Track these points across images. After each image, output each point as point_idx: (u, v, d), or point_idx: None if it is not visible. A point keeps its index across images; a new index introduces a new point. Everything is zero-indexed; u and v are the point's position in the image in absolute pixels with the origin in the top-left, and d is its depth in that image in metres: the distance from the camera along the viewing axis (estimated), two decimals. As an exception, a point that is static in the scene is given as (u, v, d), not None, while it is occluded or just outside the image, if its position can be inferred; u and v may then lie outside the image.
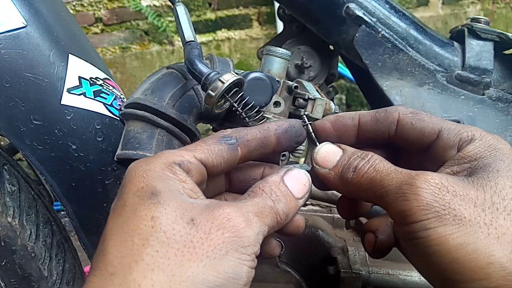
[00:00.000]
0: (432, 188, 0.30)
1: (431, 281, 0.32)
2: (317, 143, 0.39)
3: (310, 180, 0.37)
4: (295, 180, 0.36)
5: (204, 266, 0.27)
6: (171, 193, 0.30)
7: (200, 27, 2.16)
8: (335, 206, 0.48)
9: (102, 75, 0.65)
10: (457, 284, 0.29)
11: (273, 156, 0.42)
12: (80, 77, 0.60)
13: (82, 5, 2.13)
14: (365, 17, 0.58)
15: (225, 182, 0.41)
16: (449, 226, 0.29)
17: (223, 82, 0.45)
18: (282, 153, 0.42)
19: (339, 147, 0.38)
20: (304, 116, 0.39)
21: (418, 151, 0.38)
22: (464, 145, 0.34)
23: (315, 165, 0.38)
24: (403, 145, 0.38)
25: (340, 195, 0.41)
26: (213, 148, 0.35)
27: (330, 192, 0.59)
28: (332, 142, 0.38)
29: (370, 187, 0.34)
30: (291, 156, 0.59)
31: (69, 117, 0.58)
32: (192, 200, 0.31)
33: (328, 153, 0.37)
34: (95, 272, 0.28)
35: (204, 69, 0.48)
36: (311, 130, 0.40)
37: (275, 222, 0.33)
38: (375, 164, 0.34)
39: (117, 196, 0.32)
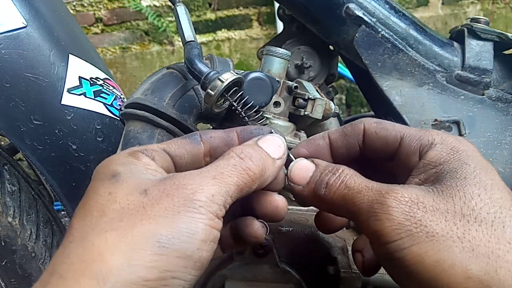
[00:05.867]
0: (402, 207, 0.30)
1: None
2: (293, 158, 0.39)
3: (285, 144, 0.37)
4: (270, 142, 0.36)
5: (157, 223, 0.28)
6: (131, 173, 0.32)
7: (200, 27, 2.16)
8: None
9: (102, 75, 0.65)
10: None
11: None
12: (80, 77, 0.60)
13: (82, 5, 2.13)
14: (365, 17, 0.58)
15: None
16: (423, 243, 0.29)
17: (222, 81, 0.45)
18: None
19: (313, 162, 0.38)
20: (272, 130, 0.39)
21: (386, 160, 0.38)
22: (425, 151, 0.34)
23: (289, 182, 0.37)
24: (373, 156, 0.38)
25: None
26: (177, 141, 0.37)
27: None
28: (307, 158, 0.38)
29: (343, 204, 0.34)
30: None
31: (69, 117, 0.58)
32: (151, 177, 0.32)
33: (302, 170, 0.37)
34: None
35: (204, 69, 0.48)
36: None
37: (247, 178, 0.33)
38: (346, 180, 0.34)
39: None
